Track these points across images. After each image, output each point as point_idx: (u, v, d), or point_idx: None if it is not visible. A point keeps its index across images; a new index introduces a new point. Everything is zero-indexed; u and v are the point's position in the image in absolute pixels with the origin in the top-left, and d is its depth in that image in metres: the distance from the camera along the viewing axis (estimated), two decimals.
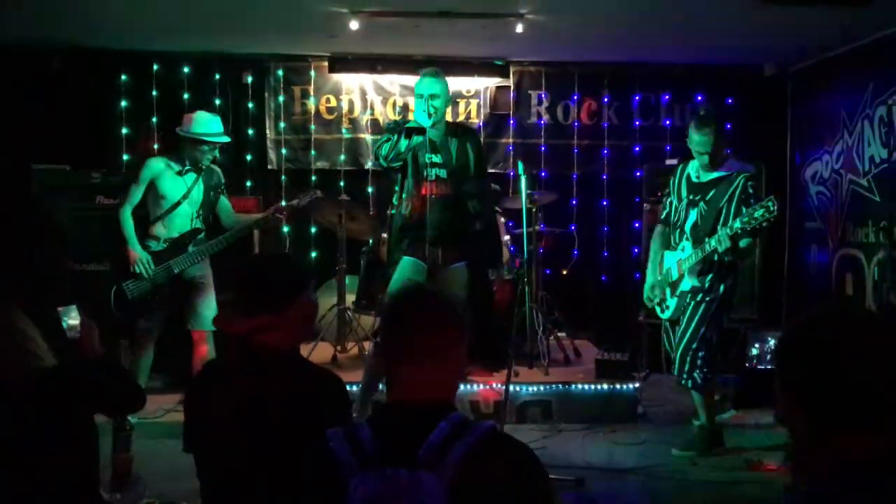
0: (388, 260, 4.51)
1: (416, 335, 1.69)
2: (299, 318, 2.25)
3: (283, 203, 5.05)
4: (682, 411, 5.13)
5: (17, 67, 6.23)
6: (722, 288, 4.39)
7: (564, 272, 6.68)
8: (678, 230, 4.53)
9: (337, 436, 1.63)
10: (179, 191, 4.92)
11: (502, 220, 5.57)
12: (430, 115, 4.18)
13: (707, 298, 4.38)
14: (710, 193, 4.39)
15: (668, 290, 4.55)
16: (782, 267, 6.72)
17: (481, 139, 4.42)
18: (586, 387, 5.25)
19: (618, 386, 5.25)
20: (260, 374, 2.13)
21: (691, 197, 4.47)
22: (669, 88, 6.90)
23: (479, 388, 5.13)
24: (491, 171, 6.80)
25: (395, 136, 4.19)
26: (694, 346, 4.37)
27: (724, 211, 4.33)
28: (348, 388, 2.24)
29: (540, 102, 6.89)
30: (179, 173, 4.93)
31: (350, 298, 5.88)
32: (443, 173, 4.31)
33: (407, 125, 4.21)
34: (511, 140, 6.89)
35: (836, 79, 6.06)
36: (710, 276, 4.38)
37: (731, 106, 6.88)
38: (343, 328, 5.81)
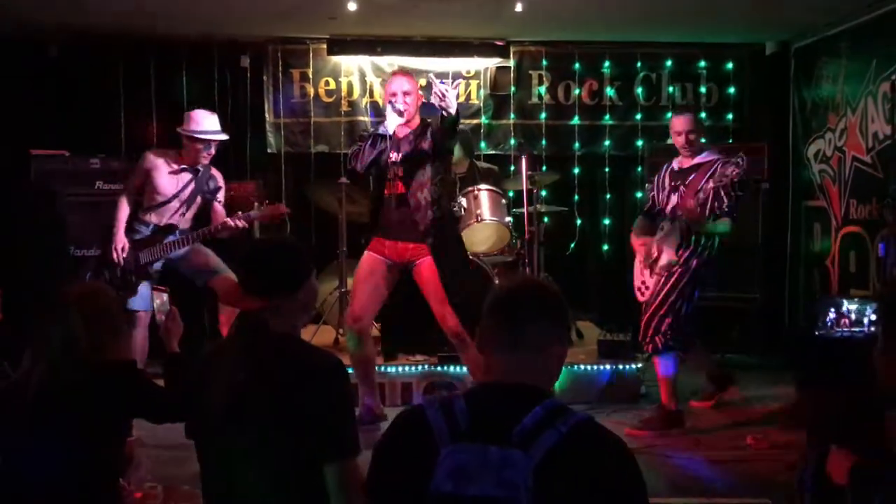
0: None
1: (524, 324, 1.71)
2: (305, 303, 2.26)
3: (241, 212, 4.97)
4: (684, 391, 5.13)
5: (14, 53, 6.20)
6: (695, 262, 4.47)
7: (566, 253, 6.66)
8: (661, 215, 4.63)
9: (432, 405, 1.66)
10: (171, 188, 4.90)
11: (503, 201, 5.55)
12: (403, 112, 4.30)
13: (679, 270, 4.47)
14: (691, 177, 4.53)
15: (646, 273, 4.62)
16: (785, 245, 6.70)
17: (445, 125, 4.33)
18: (589, 367, 5.25)
19: (620, 366, 5.24)
20: (261, 357, 2.12)
21: (673, 184, 4.63)
22: (671, 67, 6.85)
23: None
24: (491, 152, 6.81)
25: (364, 145, 4.34)
26: (661, 311, 4.47)
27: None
28: (349, 371, 2.24)
29: (540, 83, 6.84)
30: (175, 172, 4.91)
31: (351, 282, 5.86)
32: (400, 171, 4.37)
33: (376, 133, 4.35)
34: (512, 121, 6.85)
35: (838, 55, 6.01)
36: (686, 251, 4.47)
37: (733, 84, 6.84)
38: (345, 312, 5.80)
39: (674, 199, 4.56)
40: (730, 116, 6.89)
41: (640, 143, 6.78)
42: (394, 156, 4.37)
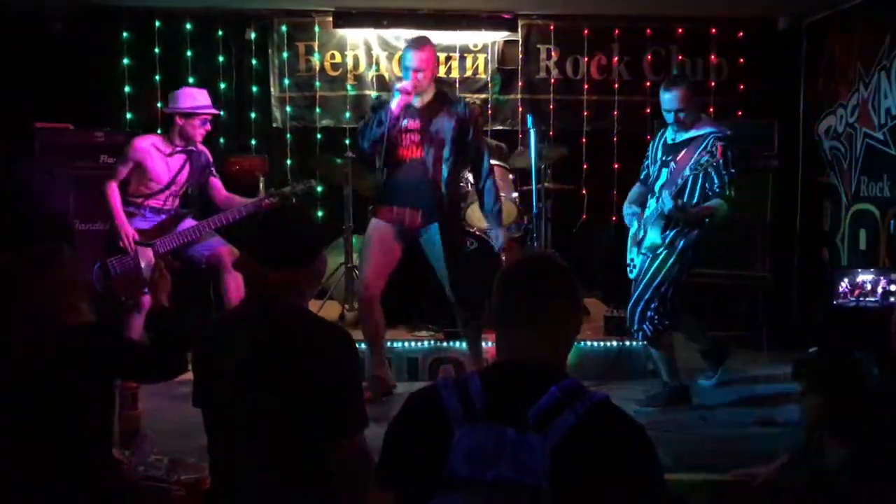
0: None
1: (538, 299, 1.68)
2: (317, 275, 2.25)
3: (274, 189, 4.97)
4: (690, 368, 5.11)
5: (18, 26, 6.16)
6: (682, 243, 4.37)
7: (574, 230, 6.62)
8: (650, 192, 4.54)
9: (447, 385, 1.63)
10: (166, 174, 4.84)
11: (511, 176, 5.51)
12: (413, 89, 4.22)
13: (664, 252, 4.38)
14: (682, 152, 4.38)
15: (634, 249, 4.57)
16: (794, 223, 6.65)
17: (473, 112, 4.48)
18: (595, 344, 5.23)
19: (627, 343, 5.22)
20: (272, 329, 2.11)
21: (664, 158, 4.48)
22: (681, 43, 6.77)
23: (487, 345, 5.11)
24: (499, 127, 6.75)
25: (371, 123, 4.27)
26: (647, 296, 4.39)
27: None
28: (360, 345, 2.23)
29: (549, 57, 6.77)
30: (169, 155, 4.84)
31: (358, 257, 5.84)
32: (416, 138, 4.32)
33: (382, 110, 4.27)
34: (519, 96, 6.79)
35: (851, 30, 5.93)
36: (672, 231, 4.38)
37: (743, 59, 6.76)
38: (351, 287, 5.79)
39: (664, 174, 4.43)
40: (740, 92, 6.81)
41: (648, 118, 6.71)
42: (410, 123, 4.30)
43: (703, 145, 4.27)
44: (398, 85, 4.28)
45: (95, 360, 2.40)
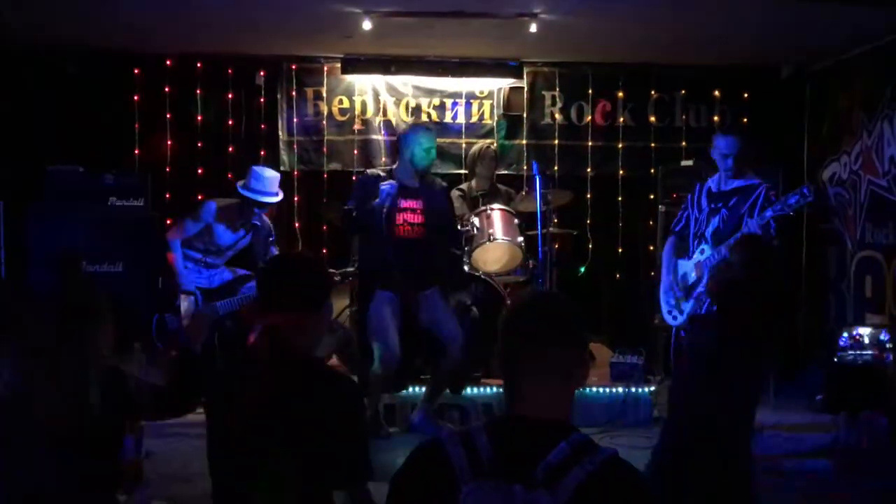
0: (358, 297, 4.80)
1: (544, 351, 1.64)
2: (325, 319, 2.26)
3: None
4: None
5: (31, 69, 6.25)
6: None
7: (578, 275, 6.62)
8: (698, 238, 4.52)
9: (452, 439, 1.59)
10: (230, 240, 5.09)
11: (516, 221, 5.53)
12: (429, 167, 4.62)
13: None
14: (732, 200, 4.38)
15: (681, 296, 4.53)
16: (800, 270, 6.65)
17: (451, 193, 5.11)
18: (601, 390, 5.20)
19: (633, 389, 5.19)
20: (282, 377, 2.10)
21: (713, 205, 4.47)
22: (685, 89, 6.84)
23: (494, 390, 5.09)
24: (504, 172, 6.77)
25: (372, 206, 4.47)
26: None
27: (745, 217, 4.31)
28: None
29: (554, 103, 6.84)
30: (235, 226, 5.09)
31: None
32: (419, 219, 4.61)
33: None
34: (525, 141, 6.84)
35: (854, 79, 6.00)
36: None
37: (747, 107, 6.81)
38: (356, 331, 5.77)
39: (715, 221, 4.42)
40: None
41: (653, 164, 6.75)
42: (411, 203, 4.54)
43: (756, 194, 4.29)
44: (385, 186, 4.47)
45: (114, 404, 2.40)
